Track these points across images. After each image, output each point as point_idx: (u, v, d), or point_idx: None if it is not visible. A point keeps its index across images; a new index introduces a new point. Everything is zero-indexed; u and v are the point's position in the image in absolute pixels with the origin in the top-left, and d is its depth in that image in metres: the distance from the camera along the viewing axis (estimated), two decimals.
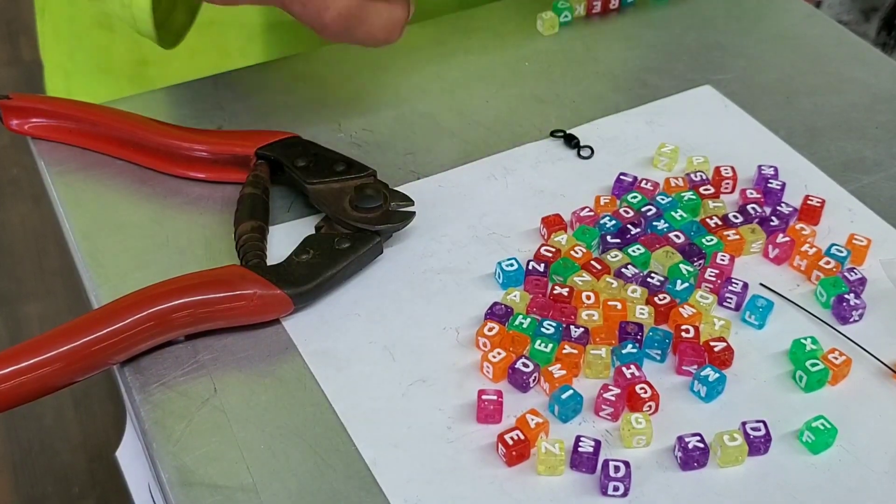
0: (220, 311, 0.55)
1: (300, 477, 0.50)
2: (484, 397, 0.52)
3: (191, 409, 0.53)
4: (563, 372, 0.53)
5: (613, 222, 0.61)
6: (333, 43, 0.61)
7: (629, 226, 0.61)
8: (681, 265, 0.59)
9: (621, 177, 0.64)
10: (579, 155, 0.67)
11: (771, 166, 0.65)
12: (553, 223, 0.62)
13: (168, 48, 0.69)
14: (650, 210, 0.62)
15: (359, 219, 0.59)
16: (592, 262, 0.59)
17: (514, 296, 0.57)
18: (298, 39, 0.81)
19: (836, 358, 0.54)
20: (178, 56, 0.82)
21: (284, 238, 0.61)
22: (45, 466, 1.65)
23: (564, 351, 0.54)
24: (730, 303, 0.58)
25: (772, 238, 0.61)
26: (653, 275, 0.58)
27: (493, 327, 0.55)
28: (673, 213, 0.62)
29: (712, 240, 0.60)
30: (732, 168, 0.65)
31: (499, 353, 0.54)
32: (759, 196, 0.63)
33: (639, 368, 0.54)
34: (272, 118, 0.69)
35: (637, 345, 0.55)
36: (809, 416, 0.52)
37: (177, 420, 0.52)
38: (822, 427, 0.51)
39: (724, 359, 0.55)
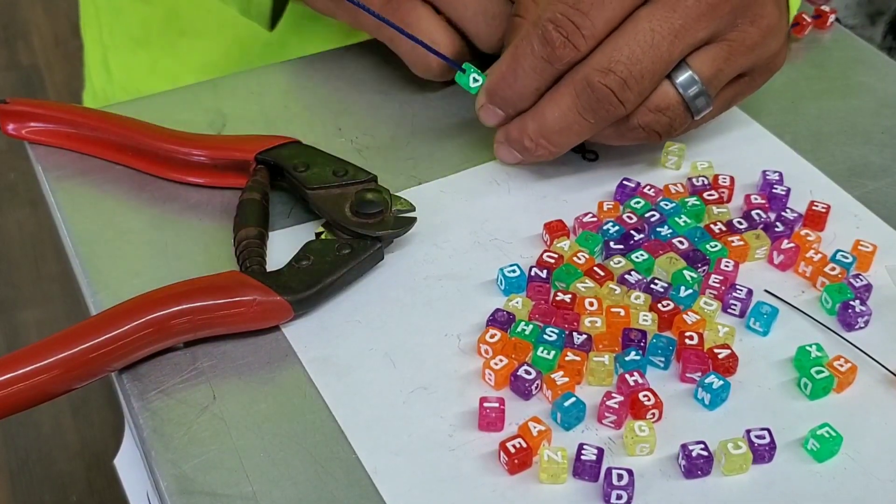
0: (219, 318, 0.54)
1: (300, 485, 0.49)
2: (486, 405, 0.52)
3: (190, 416, 0.52)
4: (566, 379, 0.53)
5: (616, 228, 0.61)
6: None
7: (632, 232, 0.61)
8: (684, 271, 0.58)
9: (624, 182, 0.64)
10: (584, 158, 0.67)
11: (776, 171, 0.65)
12: (555, 229, 0.61)
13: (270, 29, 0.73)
14: (654, 216, 0.62)
15: (359, 224, 0.59)
16: (595, 269, 0.58)
17: (517, 302, 0.57)
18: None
19: (842, 365, 0.54)
20: (211, 28, 0.82)
21: (284, 244, 0.61)
22: (43, 474, 1.64)
23: (567, 358, 0.54)
24: (734, 309, 0.57)
25: (776, 244, 0.60)
26: (656, 281, 0.58)
27: (495, 334, 0.55)
28: (677, 219, 0.61)
29: (716, 246, 0.60)
30: (731, 178, 0.64)
31: (501, 361, 0.54)
32: (763, 202, 0.63)
33: (642, 376, 0.53)
34: (272, 123, 0.69)
35: (640, 352, 0.54)
36: (814, 423, 0.52)
37: (176, 428, 0.52)
38: (827, 435, 0.51)
39: (728, 366, 0.54)
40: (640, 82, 0.58)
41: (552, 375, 0.53)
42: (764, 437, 0.51)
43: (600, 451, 0.50)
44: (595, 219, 0.62)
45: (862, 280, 0.58)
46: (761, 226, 0.61)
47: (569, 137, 0.61)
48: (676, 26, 0.58)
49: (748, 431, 0.51)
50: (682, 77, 0.60)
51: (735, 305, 0.57)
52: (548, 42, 0.59)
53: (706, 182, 0.64)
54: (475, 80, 0.64)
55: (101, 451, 1.66)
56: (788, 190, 0.64)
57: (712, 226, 0.61)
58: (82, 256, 0.60)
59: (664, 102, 0.60)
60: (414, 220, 0.60)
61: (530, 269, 0.59)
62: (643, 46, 0.58)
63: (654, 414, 0.52)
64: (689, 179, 0.65)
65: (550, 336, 0.55)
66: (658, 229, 0.61)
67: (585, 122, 0.60)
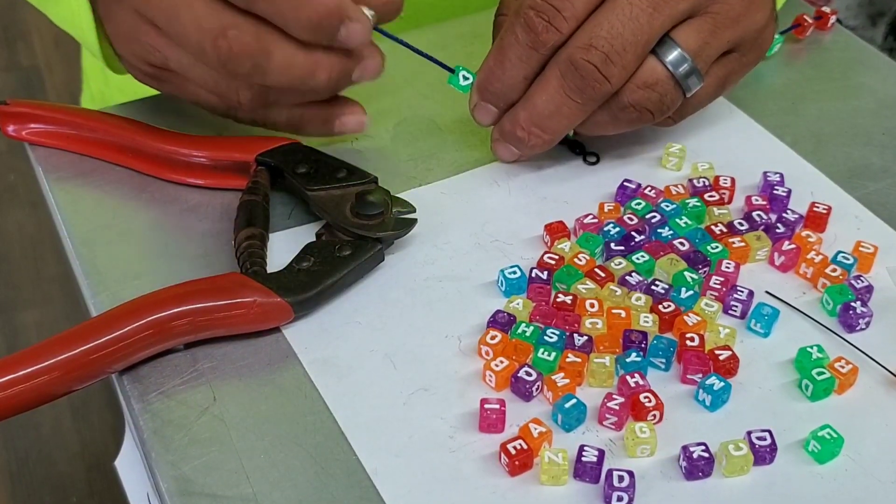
0: (219, 319, 0.54)
1: (300, 486, 0.49)
2: (486, 406, 0.52)
3: (190, 418, 0.52)
4: (567, 381, 0.53)
5: (617, 229, 0.61)
6: None
7: (633, 233, 0.61)
8: (685, 273, 0.58)
9: (625, 183, 0.64)
10: (585, 161, 0.67)
11: (776, 173, 0.65)
12: (556, 230, 0.61)
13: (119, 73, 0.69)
14: (654, 217, 0.62)
15: (360, 226, 0.59)
16: (596, 270, 0.58)
17: (517, 304, 0.57)
18: None
19: (843, 366, 0.54)
20: None
21: (285, 245, 0.61)
22: (43, 476, 1.64)
23: (568, 359, 0.54)
24: (735, 311, 0.57)
25: (777, 245, 0.60)
26: (657, 282, 0.58)
27: (496, 335, 0.55)
28: (677, 220, 0.61)
29: (717, 247, 0.60)
30: (732, 179, 0.64)
31: (501, 362, 0.54)
32: (764, 203, 0.63)
33: (643, 377, 0.53)
34: None
35: (641, 353, 0.54)
36: (815, 425, 0.52)
37: (176, 429, 0.52)
38: (828, 436, 0.51)
39: (729, 367, 0.54)
40: (623, 56, 0.58)
41: (553, 377, 0.53)
42: (765, 439, 0.51)
43: (601, 453, 0.50)
44: (596, 220, 0.62)
45: (863, 281, 0.58)
46: (762, 227, 0.61)
47: (559, 122, 0.61)
48: None
49: (749, 433, 0.51)
50: (668, 51, 0.60)
51: (736, 307, 0.57)
52: (531, 28, 0.59)
53: (707, 183, 0.64)
54: (465, 79, 0.64)
55: (102, 453, 1.66)
56: (789, 191, 0.63)
57: (713, 227, 0.61)
58: (82, 258, 0.60)
59: (652, 78, 0.60)
60: (414, 221, 0.60)
61: (531, 271, 0.58)
62: (622, 20, 0.58)
63: (654, 415, 0.52)
64: (690, 181, 0.65)
65: (551, 337, 0.55)
66: (659, 230, 0.61)
67: (574, 104, 0.60)
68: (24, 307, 1.88)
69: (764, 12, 0.63)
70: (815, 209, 0.62)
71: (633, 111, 0.61)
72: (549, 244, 0.61)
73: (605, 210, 0.63)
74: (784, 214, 0.62)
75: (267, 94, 0.61)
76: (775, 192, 0.63)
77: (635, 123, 0.62)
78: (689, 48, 0.60)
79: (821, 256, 0.59)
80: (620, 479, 0.49)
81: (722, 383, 0.53)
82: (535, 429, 0.51)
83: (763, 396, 0.54)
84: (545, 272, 0.58)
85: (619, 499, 0.49)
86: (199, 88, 0.61)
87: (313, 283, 0.56)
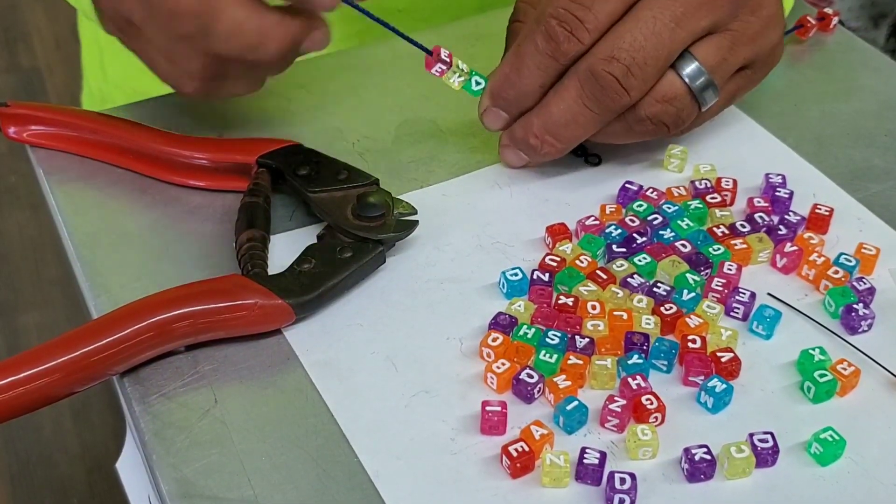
0: (220, 321, 0.54)
1: (302, 489, 0.49)
2: (488, 408, 0.52)
3: (191, 420, 0.52)
4: (568, 383, 0.53)
5: (619, 231, 0.61)
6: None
7: (635, 235, 0.60)
8: (687, 275, 0.58)
9: (626, 185, 0.64)
10: (587, 162, 0.67)
11: (779, 174, 0.65)
12: (558, 232, 0.61)
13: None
14: (656, 219, 0.61)
15: (361, 228, 0.59)
16: (598, 272, 0.58)
17: (519, 306, 0.57)
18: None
19: (845, 369, 0.54)
20: None
21: (286, 247, 0.61)
22: (44, 478, 1.64)
23: (569, 361, 0.54)
24: (737, 313, 0.57)
25: (779, 247, 0.60)
26: (659, 284, 0.58)
27: (497, 337, 0.55)
28: (679, 222, 0.61)
29: (719, 249, 0.60)
30: (734, 181, 0.64)
31: (503, 364, 0.54)
32: (766, 205, 0.63)
33: (645, 379, 0.53)
34: (273, 126, 0.69)
35: (643, 355, 0.54)
36: (817, 427, 0.52)
37: (177, 431, 0.52)
38: (830, 439, 0.51)
39: (731, 369, 0.54)
40: (644, 69, 0.59)
41: (554, 379, 0.53)
42: (767, 441, 0.51)
43: (603, 455, 0.50)
44: (597, 222, 0.62)
45: (865, 283, 0.58)
46: (764, 229, 0.61)
47: (575, 131, 0.61)
48: (678, 14, 0.59)
49: (751, 435, 0.51)
50: (688, 66, 0.60)
51: (738, 309, 0.57)
52: (552, 38, 0.59)
53: (709, 185, 0.64)
54: (477, 84, 0.64)
55: (102, 455, 1.66)
56: (791, 193, 0.63)
57: (715, 229, 0.61)
58: (83, 260, 0.60)
59: (671, 92, 0.60)
60: (416, 223, 0.60)
61: (532, 273, 0.58)
62: (645, 33, 0.58)
63: (656, 417, 0.52)
64: (692, 182, 0.65)
65: (553, 339, 0.55)
66: (661, 232, 0.61)
67: (591, 114, 0.60)
68: (25, 309, 1.88)
69: (778, 31, 0.64)
70: (817, 211, 0.62)
71: (649, 124, 0.61)
72: (550, 246, 0.61)
73: (607, 212, 0.63)
74: (786, 216, 0.62)
75: (216, 66, 0.59)
76: (777, 193, 0.63)
77: (650, 135, 0.62)
78: (707, 64, 0.60)
79: (823, 258, 0.59)
80: (622, 481, 0.49)
81: (724, 385, 0.53)
82: (537, 431, 0.51)
83: (765, 398, 0.54)
84: (547, 274, 0.58)
85: (621, 501, 0.49)
86: (156, 51, 0.60)
87: (314, 284, 0.56)
